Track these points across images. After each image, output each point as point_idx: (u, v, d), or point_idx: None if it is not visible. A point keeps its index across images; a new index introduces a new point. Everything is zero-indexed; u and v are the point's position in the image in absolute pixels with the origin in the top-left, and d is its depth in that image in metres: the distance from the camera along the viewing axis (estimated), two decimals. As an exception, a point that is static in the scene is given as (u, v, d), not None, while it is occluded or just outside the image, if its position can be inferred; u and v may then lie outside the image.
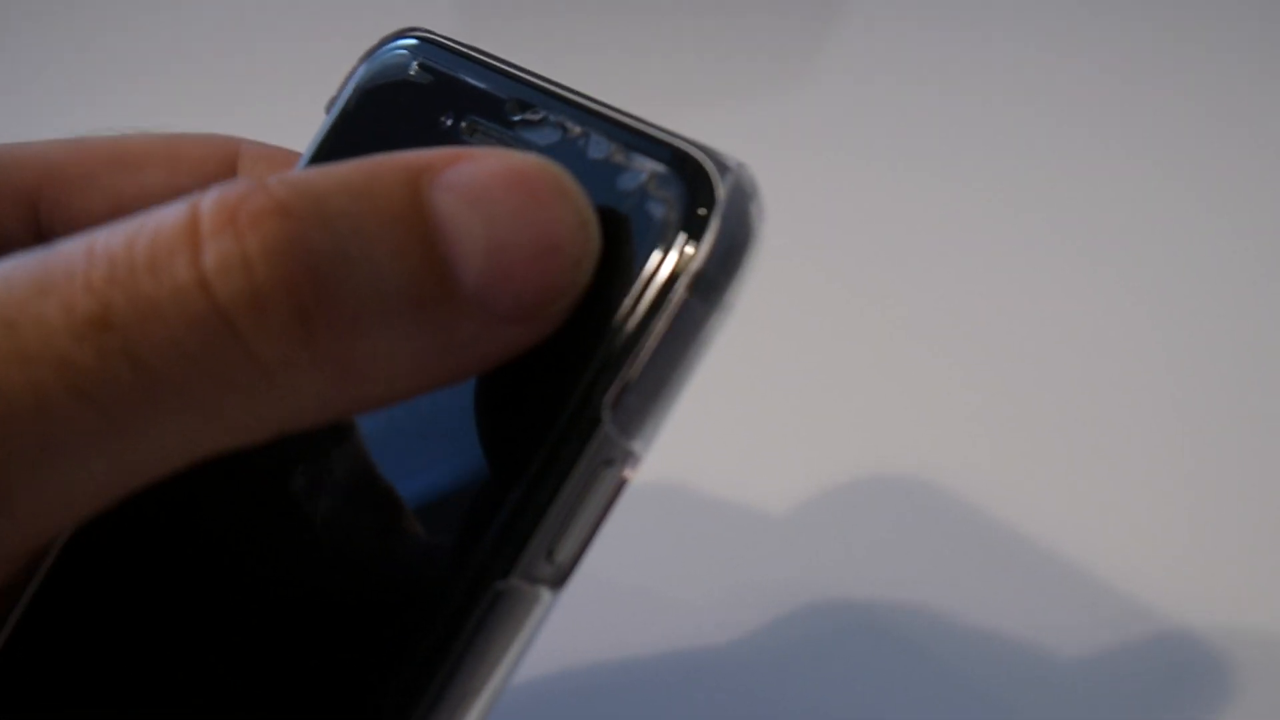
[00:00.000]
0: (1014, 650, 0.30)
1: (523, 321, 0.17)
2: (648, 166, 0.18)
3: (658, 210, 0.18)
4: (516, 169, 0.17)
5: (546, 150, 0.19)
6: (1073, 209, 0.43)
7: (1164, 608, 0.31)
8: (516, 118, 0.19)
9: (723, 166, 0.18)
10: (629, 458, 0.18)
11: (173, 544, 0.19)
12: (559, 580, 0.18)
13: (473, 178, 0.17)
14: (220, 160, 0.25)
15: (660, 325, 0.17)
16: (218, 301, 0.16)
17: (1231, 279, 0.40)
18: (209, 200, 0.17)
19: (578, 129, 0.19)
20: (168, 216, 0.17)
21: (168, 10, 0.51)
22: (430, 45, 0.20)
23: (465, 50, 0.20)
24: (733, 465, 0.34)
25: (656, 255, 0.17)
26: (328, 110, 0.21)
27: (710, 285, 0.18)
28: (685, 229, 0.17)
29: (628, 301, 0.17)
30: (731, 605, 0.31)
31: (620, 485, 0.18)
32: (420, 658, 0.18)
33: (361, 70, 0.21)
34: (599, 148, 0.18)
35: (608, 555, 0.30)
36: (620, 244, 0.18)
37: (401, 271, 0.17)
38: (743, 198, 0.18)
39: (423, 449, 0.19)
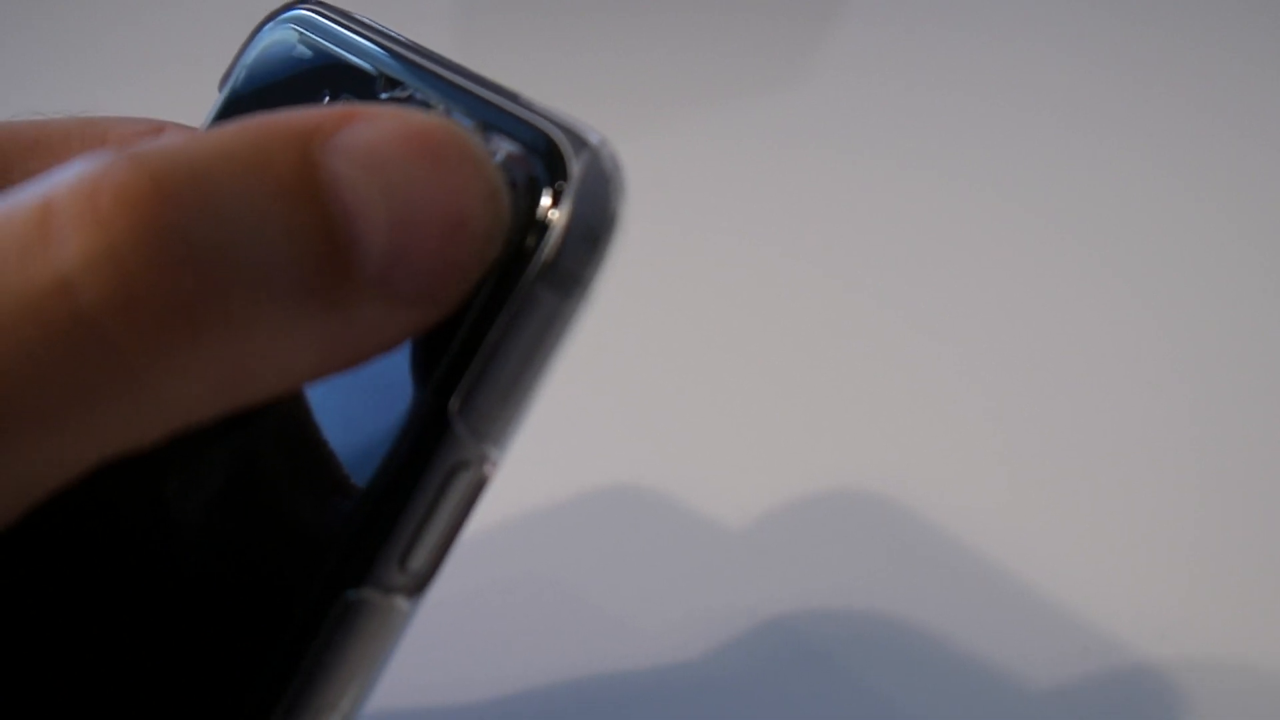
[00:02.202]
0: (972, 678, 0.28)
1: (424, 305, 0.16)
2: (503, 147, 0.17)
3: (512, 195, 0.16)
4: (416, 129, 0.15)
5: None
6: (1068, 214, 0.42)
7: (1133, 640, 0.29)
8: (384, 95, 0.18)
9: (579, 144, 0.16)
10: (484, 459, 0.17)
11: (20, 553, 0.19)
12: (415, 589, 0.17)
13: (368, 140, 0.15)
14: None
15: (509, 321, 0.16)
16: (81, 305, 0.14)
17: (1231, 290, 0.39)
18: (64, 181, 0.14)
19: (440, 106, 0.17)
20: (16, 206, 0.14)
21: (166, 9, 0.51)
22: (315, 17, 0.19)
23: (346, 22, 0.19)
24: (691, 480, 0.32)
25: (504, 245, 0.16)
26: (220, 88, 0.21)
27: (564, 275, 0.16)
28: (534, 215, 0.16)
29: (476, 296, 0.16)
30: (689, 629, 0.29)
31: (479, 486, 0.17)
32: (271, 672, 0.17)
33: (249, 47, 0.20)
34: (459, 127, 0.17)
35: (561, 572, 0.30)
36: None
37: (296, 255, 0.15)
38: (601, 178, 0.16)
39: (276, 455, 0.18)
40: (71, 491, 0.18)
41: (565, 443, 0.33)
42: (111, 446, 0.15)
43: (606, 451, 0.33)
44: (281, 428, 0.18)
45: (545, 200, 0.16)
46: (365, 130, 0.15)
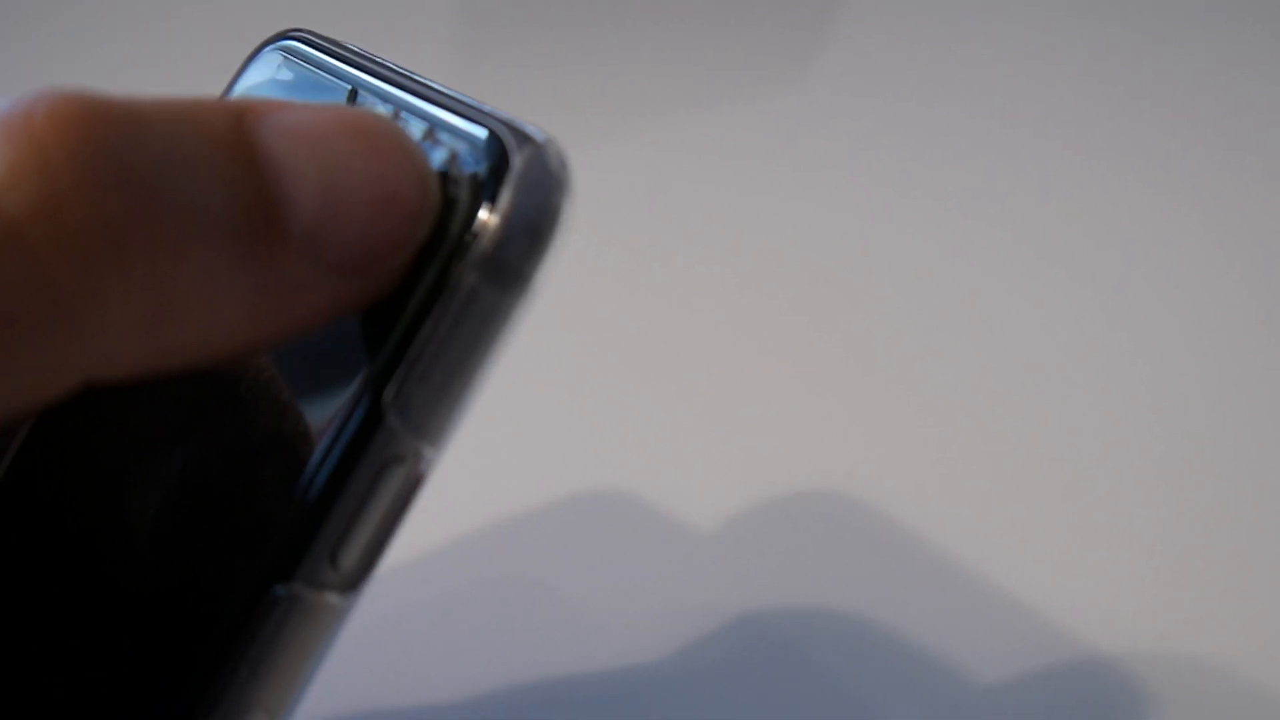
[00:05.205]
0: (943, 674, 0.28)
1: (354, 274, 0.16)
2: (451, 145, 0.17)
3: (454, 190, 0.16)
4: (349, 117, 0.16)
5: None
6: (1045, 220, 0.42)
7: (1092, 636, 0.29)
8: None
9: (522, 140, 0.16)
10: (419, 456, 0.17)
11: None
12: (349, 585, 0.17)
13: (302, 120, 0.16)
14: None
15: (446, 314, 0.16)
16: (5, 210, 0.14)
17: (1214, 296, 0.39)
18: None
19: (394, 113, 0.17)
20: None
21: (160, 13, 0.51)
22: (301, 46, 0.20)
23: (328, 46, 0.19)
24: (663, 479, 0.32)
25: (444, 237, 0.16)
26: None
27: (502, 269, 0.16)
28: (475, 209, 0.16)
29: (416, 288, 0.16)
30: (661, 625, 0.29)
31: (415, 483, 0.17)
32: (198, 668, 0.17)
33: (243, 74, 0.20)
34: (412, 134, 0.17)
35: (533, 571, 0.30)
36: None
37: (225, 196, 0.15)
38: (543, 174, 0.16)
39: (209, 447, 0.18)
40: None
41: (537, 443, 0.33)
42: (32, 385, 0.15)
43: (578, 452, 0.33)
44: (214, 420, 0.18)
45: (485, 193, 0.16)
46: (298, 113, 0.16)
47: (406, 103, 0.17)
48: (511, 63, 0.49)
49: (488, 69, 0.49)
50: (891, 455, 0.33)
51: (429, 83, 0.18)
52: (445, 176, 0.16)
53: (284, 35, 0.20)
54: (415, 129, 0.17)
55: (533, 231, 0.16)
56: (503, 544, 0.31)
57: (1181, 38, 0.51)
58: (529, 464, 0.32)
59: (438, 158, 0.17)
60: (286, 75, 0.19)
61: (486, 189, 0.16)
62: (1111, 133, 0.46)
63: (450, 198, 0.16)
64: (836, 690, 0.28)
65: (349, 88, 0.18)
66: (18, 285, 0.14)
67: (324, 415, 0.17)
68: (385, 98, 0.18)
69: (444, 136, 0.17)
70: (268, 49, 0.20)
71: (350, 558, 0.17)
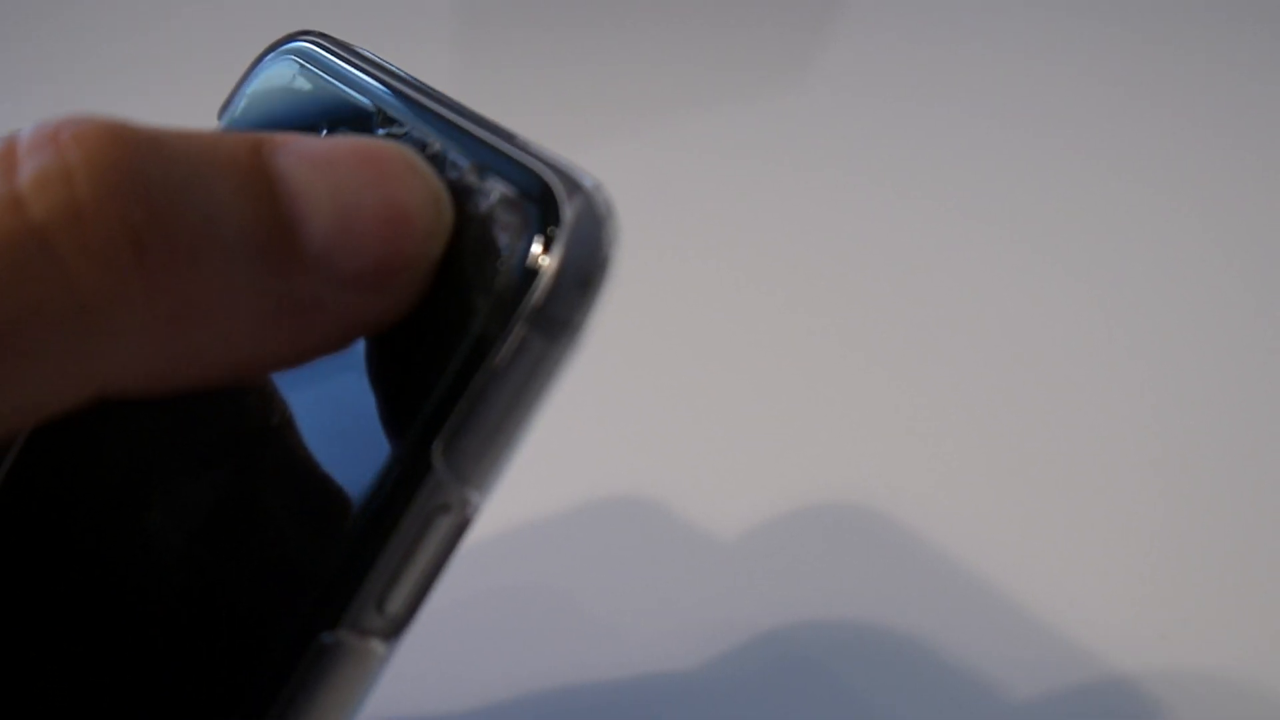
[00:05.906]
0: (962, 686, 0.28)
1: (369, 290, 0.16)
2: (497, 188, 0.16)
3: (501, 237, 0.16)
4: (362, 145, 0.16)
5: None
6: (1055, 228, 0.42)
7: (1106, 648, 0.29)
8: (381, 131, 0.18)
9: (573, 188, 0.16)
10: (466, 503, 0.17)
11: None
12: (392, 632, 0.17)
13: (315, 147, 0.16)
14: None
15: (496, 366, 0.16)
16: (31, 217, 0.14)
17: (1220, 299, 0.39)
18: (27, 128, 0.15)
19: (436, 145, 0.17)
20: None
21: (160, 13, 0.50)
22: (316, 50, 0.19)
23: (347, 55, 0.19)
24: (683, 491, 0.33)
25: (494, 288, 0.16)
26: (220, 117, 0.20)
27: (552, 319, 0.16)
28: (525, 258, 0.16)
29: (464, 338, 0.16)
30: (681, 638, 0.29)
31: (460, 530, 0.17)
32: (243, 713, 0.17)
33: (249, 78, 0.20)
34: (454, 167, 0.17)
35: (553, 581, 0.30)
36: (461, 275, 0.16)
37: (242, 213, 0.15)
38: (594, 222, 0.16)
39: (257, 493, 0.18)
40: (49, 517, 0.18)
41: (559, 454, 0.33)
42: (53, 388, 0.15)
43: (599, 463, 0.33)
44: (263, 465, 0.17)
45: (536, 245, 0.16)
46: (313, 141, 0.16)
47: (450, 136, 0.17)
48: (511, 63, 0.49)
49: (488, 69, 0.49)
50: (908, 465, 0.34)
51: (461, 106, 0.18)
52: (490, 219, 0.16)
53: (296, 37, 0.19)
54: (457, 167, 0.17)
55: (583, 282, 0.16)
56: (521, 554, 0.31)
57: (1181, 38, 0.51)
58: (547, 472, 0.32)
59: (482, 200, 0.16)
60: (303, 86, 0.19)
61: (537, 238, 0.16)
62: (1111, 133, 0.46)
63: (497, 246, 0.16)
64: (857, 703, 0.28)
65: (374, 107, 0.18)
66: (42, 286, 0.14)
67: (370, 462, 0.16)
68: (427, 128, 0.17)
69: (489, 179, 0.17)
70: (279, 53, 0.19)
71: (396, 603, 0.17)
